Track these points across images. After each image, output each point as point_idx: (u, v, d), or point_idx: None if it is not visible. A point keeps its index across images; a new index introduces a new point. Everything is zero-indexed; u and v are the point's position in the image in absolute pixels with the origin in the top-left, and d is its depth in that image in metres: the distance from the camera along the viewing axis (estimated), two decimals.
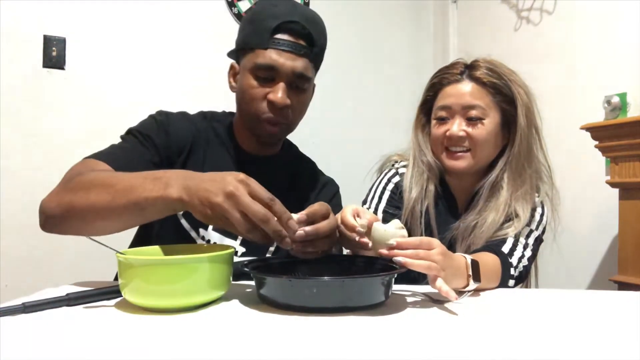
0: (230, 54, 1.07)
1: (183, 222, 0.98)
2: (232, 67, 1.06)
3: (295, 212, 0.75)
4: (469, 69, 1.08)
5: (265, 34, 0.94)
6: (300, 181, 1.11)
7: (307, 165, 1.16)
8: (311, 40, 0.96)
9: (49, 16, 1.86)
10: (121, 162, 0.88)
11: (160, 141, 0.97)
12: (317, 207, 0.76)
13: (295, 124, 1.04)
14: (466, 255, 0.81)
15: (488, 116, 1.05)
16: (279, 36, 0.94)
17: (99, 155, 0.90)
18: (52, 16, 1.86)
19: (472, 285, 0.78)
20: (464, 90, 1.06)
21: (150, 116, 1.03)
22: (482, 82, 1.05)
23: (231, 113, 1.11)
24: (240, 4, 2.24)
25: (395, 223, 0.76)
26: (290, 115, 0.99)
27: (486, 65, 1.07)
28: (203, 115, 1.09)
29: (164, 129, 0.99)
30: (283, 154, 1.11)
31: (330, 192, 1.13)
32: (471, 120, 1.05)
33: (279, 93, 0.94)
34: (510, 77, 1.06)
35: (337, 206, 1.10)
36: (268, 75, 0.95)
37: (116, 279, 0.97)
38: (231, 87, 1.06)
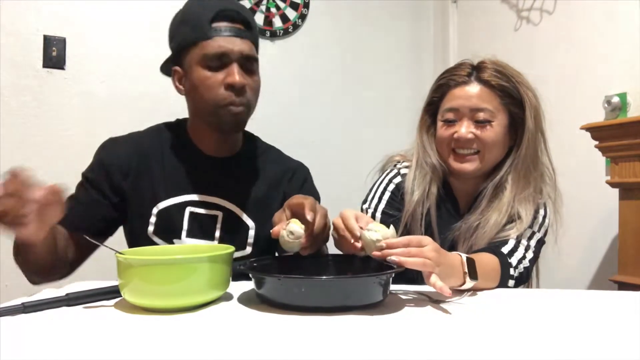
0: (164, 67, 1.07)
1: (156, 239, 1.00)
2: (175, 71, 1.04)
3: (275, 206, 0.85)
4: (476, 71, 1.06)
5: (205, 24, 0.96)
6: (268, 171, 1.12)
7: (272, 155, 1.17)
8: (248, 24, 1.00)
9: (49, 16, 1.86)
10: (77, 221, 0.97)
11: (103, 181, 1.01)
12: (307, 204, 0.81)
13: (254, 106, 1.04)
14: (461, 254, 0.81)
15: (496, 118, 1.03)
16: (218, 24, 0.96)
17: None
18: (52, 16, 1.86)
19: (469, 283, 0.78)
20: (472, 92, 1.04)
21: (96, 152, 1.06)
22: (491, 84, 1.03)
23: (183, 120, 1.12)
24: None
25: (382, 225, 0.76)
26: (249, 94, 1.00)
27: (494, 67, 1.05)
28: (156, 128, 1.10)
29: (101, 165, 1.02)
30: (245, 150, 1.13)
31: (301, 177, 1.16)
32: (479, 123, 1.03)
33: (235, 75, 0.96)
34: (518, 79, 1.05)
35: (310, 190, 1.14)
36: (219, 62, 0.96)
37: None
38: (179, 91, 1.05)
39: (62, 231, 0.96)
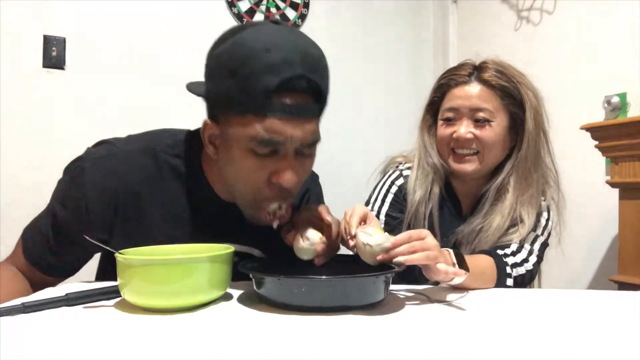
0: (195, 90, 0.78)
1: None
2: (206, 125, 0.77)
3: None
4: (477, 71, 1.06)
5: (262, 97, 0.68)
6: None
7: None
8: (319, 93, 0.73)
9: (49, 16, 1.86)
10: (52, 268, 0.85)
11: (82, 235, 0.77)
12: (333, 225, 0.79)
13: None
14: (448, 249, 0.81)
15: (495, 118, 1.03)
16: (281, 99, 0.69)
17: (27, 250, 0.85)
18: (52, 16, 1.86)
19: (461, 275, 0.78)
20: (472, 92, 1.04)
21: (69, 185, 0.82)
22: (491, 84, 1.03)
23: (193, 140, 0.85)
24: (240, 4, 2.24)
25: (376, 229, 0.76)
26: (298, 187, 0.78)
27: (495, 67, 1.05)
28: (151, 150, 0.84)
29: (77, 217, 0.80)
30: None
31: (315, 196, 1.02)
32: (479, 122, 1.03)
33: (286, 174, 0.73)
34: (519, 80, 1.04)
35: (320, 198, 1.06)
36: (269, 150, 0.72)
37: (98, 278, 0.96)
38: (208, 149, 0.79)
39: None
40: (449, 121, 1.07)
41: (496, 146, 1.04)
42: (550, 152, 1.09)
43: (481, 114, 1.03)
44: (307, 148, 0.76)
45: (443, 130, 1.07)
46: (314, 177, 1.04)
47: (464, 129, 1.03)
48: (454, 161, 1.06)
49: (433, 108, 1.13)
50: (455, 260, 0.79)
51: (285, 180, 0.73)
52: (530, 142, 1.03)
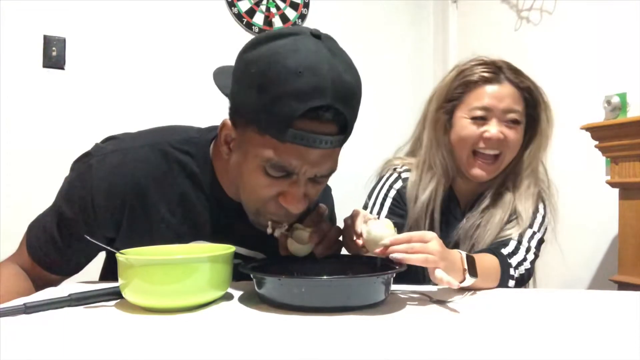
0: (220, 85, 0.79)
1: None
2: (224, 125, 0.75)
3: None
4: (501, 71, 1.04)
5: (284, 122, 0.66)
6: None
7: None
8: (345, 124, 0.70)
9: (49, 16, 1.86)
10: (56, 267, 0.84)
11: (87, 232, 0.77)
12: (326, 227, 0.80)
13: None
14: (461, 251, 0.81)
15: (522, 121, 1.04)
16: (303, 127, 0.66)
17: (31, 247, 0.84)
18: (52, 16, 1.86)
19: (469, 280, 0.78)
20: (505, 92, 1.02)
21: (74, 180, 0.81)
22: (519, 86, 1.03)
23: (204, 136, 0.85)
24: (240, 4, 2.24)
25: (385, 222, 0.77)
26: (306, 206, 0.77)
27: (513, 68, 1.05)
28: (155, 142, 0.83)
29: (83, 213, 0.79)
30: None
31: (328, 202, 1.01)
32: (509, 123, 1.02)
33: (295, 201, 0.72)
34: (533, 81, 1.06)
35: (332, 211, 1.04)
36: (282, 174, 0.71)
37: (102, 277, 0.96)
38: (222, 152, 0.77)
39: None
40: (480, 119, 1.03)
41: (516, 148, 1.05)
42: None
43: (512, 115, 1.02)
44: (322, 177, 0.74)
45: (472, 129, 1.03)
46: (327, 190, 1.01)
47: (496, 128, 1.01)
48: (474, 166, 1.04)
49: (450, 105, 1.07)
50: (466, 266, 0.79)
51: (293, 207, 0.73)
52: (541, 142, 1.06)
